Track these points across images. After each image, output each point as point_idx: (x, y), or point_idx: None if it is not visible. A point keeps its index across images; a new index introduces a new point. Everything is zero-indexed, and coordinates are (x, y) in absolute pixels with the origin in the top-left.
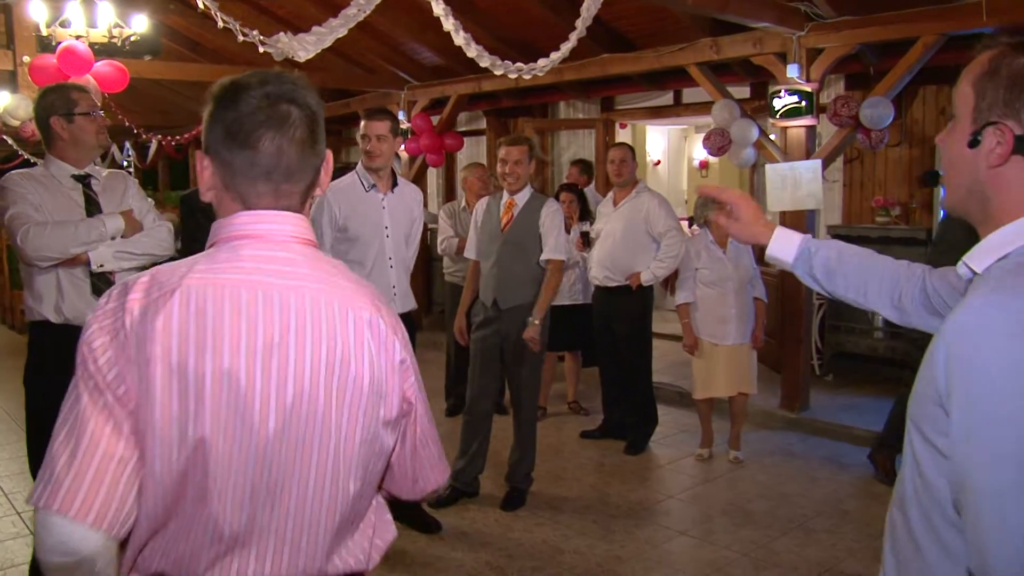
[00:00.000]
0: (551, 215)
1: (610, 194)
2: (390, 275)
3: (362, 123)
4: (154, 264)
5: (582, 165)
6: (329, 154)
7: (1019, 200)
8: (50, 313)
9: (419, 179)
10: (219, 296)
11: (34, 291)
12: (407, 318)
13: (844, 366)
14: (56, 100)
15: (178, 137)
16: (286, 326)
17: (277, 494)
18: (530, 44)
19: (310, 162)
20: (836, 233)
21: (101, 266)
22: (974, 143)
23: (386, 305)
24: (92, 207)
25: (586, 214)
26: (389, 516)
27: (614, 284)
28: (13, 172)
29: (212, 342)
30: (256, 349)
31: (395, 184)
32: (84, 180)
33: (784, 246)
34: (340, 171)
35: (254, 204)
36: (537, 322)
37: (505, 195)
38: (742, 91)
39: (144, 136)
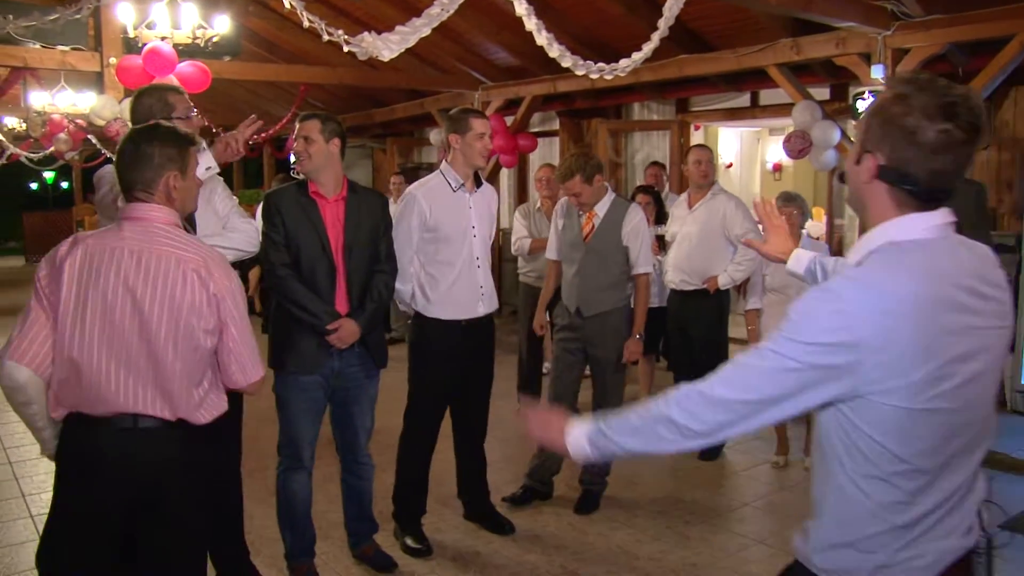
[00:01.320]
0: (635, 227)
1: (683, 196)
2: (478, 275)
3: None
4: (239, 261)
5: (660, 167)
6: (193, 159)
7: (880, 213)
8: None
9: (492, 180)
10: (103, 249)
11: None
12: (489, 320)
13: None
14: (155, 104)
15: (254, 136)
16: (140, 268)
17: (133, 361)
18: (606, 44)
19: (149, 176)
20: None
21: None
22: (858, 162)
23: (217, 264)
24: None
25: (663, 216)
26: (223, 398)
27: (690, 288)
28: (109, 166)
29: (95, 274)
30: (121, 280)
31: (479, 184)
32: None
33: (797, 264)
34: (412, 171)
35: (132, 200)
36: (638, 337)
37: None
38: (822, 92)
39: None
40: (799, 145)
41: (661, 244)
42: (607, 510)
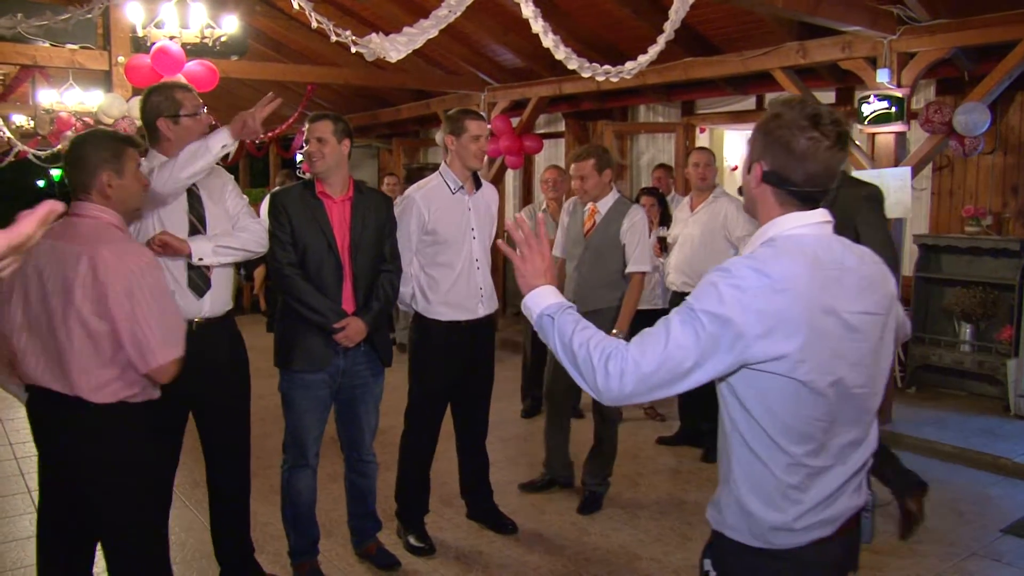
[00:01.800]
0: (633, 225)
1: (686, 199)
2: (477, 277)
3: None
4: (247, 260)
5: (666, 169)
6: (132, 159)
7: (767, 211)
8: None
9: (497, 181)
10: (44, 242)
11: None
12: (489, 320)
13: (929, 379)
14: (162, 102)
15: (260, 136)
16: (51, 256)
17: (50, 338)
18: (612, 46)
19: (85, 178)
20: (923, 243)
21: (200, 260)
22: (749, 169)
23: (113, 252)
24: (195, 202)
25: (667, 218)
26: (135, 382)
27: (691, 289)
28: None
29: (24, 263)
30: (33, 267)
31: (478, 185)
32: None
33: (539, 301)
34: (417, 171)
35: (76, 199)
36: (621, 334)
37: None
38: (827, 96)
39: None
40: None
41: (663, 246)
42: (609, 510)
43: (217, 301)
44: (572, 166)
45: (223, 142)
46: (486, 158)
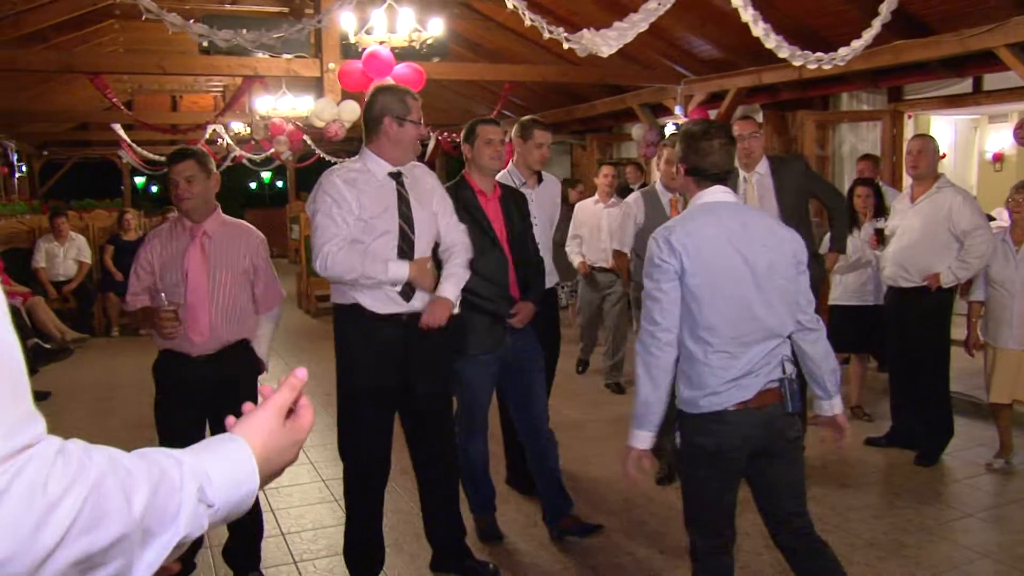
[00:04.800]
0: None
1: (906, 189)
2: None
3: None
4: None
5: (872, 160)
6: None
7: (694, 195)
8: (365, 300)
9: None
10: None
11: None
12: (551, 292)
13: None
14: (394, 102)
15: (454, 134)
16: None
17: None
18: (814, 32)
19: None
20: None
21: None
22: (679, 169)
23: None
24: (403, 205)
25: (882, 210)
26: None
27: (909, 285)
28: (334, 171)
29: None
30: None
31: (540, 180)
32: (397, 177)
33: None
34: (615, 165)
35: None
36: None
37: (668, 193)
38: None
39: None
40: None
41: (880, 238)
42: (819, 512)
43: (422, 297)
44: (666, 151)
45: (402, 277)
46: None
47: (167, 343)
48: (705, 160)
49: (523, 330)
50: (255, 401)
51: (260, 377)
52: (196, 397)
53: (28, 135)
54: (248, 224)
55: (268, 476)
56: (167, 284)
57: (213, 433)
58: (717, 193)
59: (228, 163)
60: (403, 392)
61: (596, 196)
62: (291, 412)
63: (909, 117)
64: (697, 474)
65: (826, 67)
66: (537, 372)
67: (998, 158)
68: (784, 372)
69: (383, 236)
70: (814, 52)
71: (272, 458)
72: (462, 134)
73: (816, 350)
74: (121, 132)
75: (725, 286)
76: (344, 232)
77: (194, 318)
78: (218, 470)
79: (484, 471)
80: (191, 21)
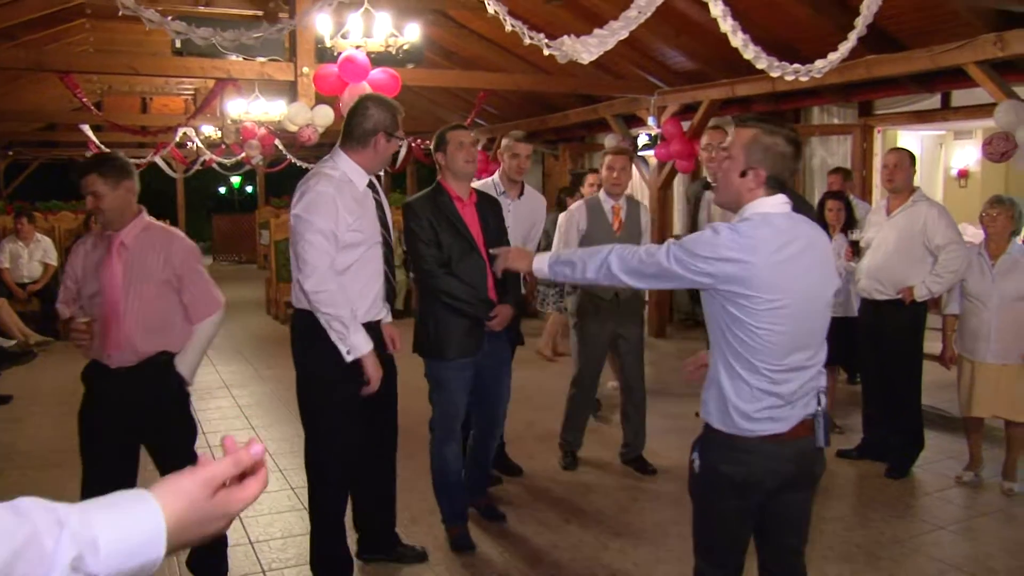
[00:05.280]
0: (647, 220)
1: (881, 202)
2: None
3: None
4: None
5: (843, 172)
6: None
7: (749, 202)
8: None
9: (668, 185)
10: None
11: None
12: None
13: None
14: (387, 119)
15: (427, 141)
16: None
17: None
18: (789, 45)
19: None
20: None
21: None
22: (743, 175)
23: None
24: (381, 212)
25: (852, 222)
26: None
27: (884, 298)
28: (320, 181)
29: None
30: None
31: (522, 193)
32: (373, 187)
33: (540, 265)
34: (578, 176)
35: None
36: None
37: (610, 200)
38: None
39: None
40: (1002, 148)
41: (855, 250)
42: None
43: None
44: (608, 158)
45: (359, 351)
46: (655, 163)
47: (90, 353)
48: (783, 166)
49: (500, 334)
50: (184, 427)
51: (229, 425)
52: (121, 419)
53: None
54: (174, 230)
55: (182, 544)
56: (85, 295)
57: (154, 461)
58: (780, 203)
59: (198, 167)
60: (367, 399)
61: None
62: (240, 478)
63: (879, 132)
64: (716, 504)
65: (803, 79)
66: (505, 375)
67: (963, 174)
68: (820, 404)
69: (373, 247)
70: (791, 64)
71: (190, 528)
72: (432, 143)
73: None
74: (90, 133)
75: (799, 307)
76: (334, 252)
77: (109, 331)
78: (112, 536)
79: (458, 477)
80: (169, 19)
